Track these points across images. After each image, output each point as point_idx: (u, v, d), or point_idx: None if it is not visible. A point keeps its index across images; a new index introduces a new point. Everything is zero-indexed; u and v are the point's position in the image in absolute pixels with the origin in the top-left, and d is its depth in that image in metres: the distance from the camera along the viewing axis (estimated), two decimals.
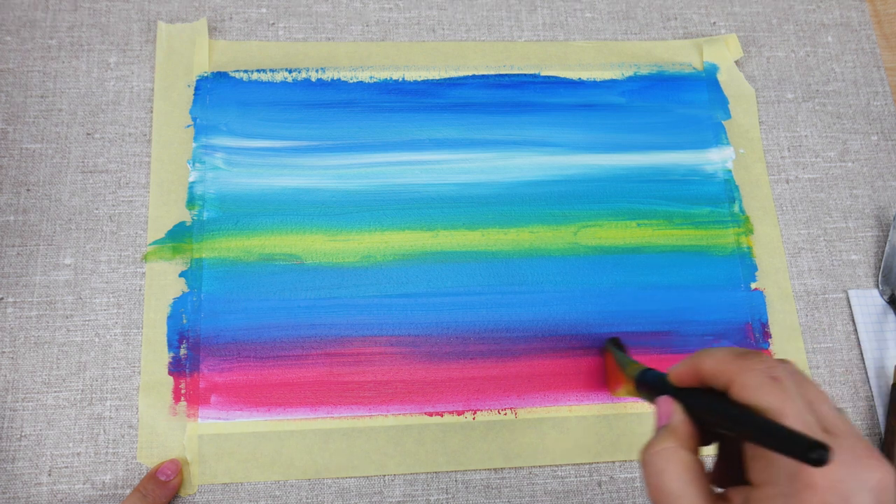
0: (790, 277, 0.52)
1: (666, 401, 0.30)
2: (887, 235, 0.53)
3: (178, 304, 0.47)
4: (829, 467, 0.24)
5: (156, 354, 0.46)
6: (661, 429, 0.29)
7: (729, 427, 0.28)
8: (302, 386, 0.46)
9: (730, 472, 0.29)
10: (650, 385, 0.37)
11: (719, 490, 0.28)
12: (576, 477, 0.46)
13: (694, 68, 0.56)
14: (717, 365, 0.28)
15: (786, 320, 0.50)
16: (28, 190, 0.49)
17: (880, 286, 0.52)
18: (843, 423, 0.27)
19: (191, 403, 0.45)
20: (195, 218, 0.49)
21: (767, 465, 0.26)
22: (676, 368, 0.31)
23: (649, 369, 0.38)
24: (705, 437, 0.30)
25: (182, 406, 0.45)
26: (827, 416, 0.27)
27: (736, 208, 0.53)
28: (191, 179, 0.50)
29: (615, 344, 0.47)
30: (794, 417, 0.25)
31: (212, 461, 0.44)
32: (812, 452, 0.23)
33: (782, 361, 0.28)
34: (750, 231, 0.52)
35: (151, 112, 0.51)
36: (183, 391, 0.45)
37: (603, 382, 0.48)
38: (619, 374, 0.43)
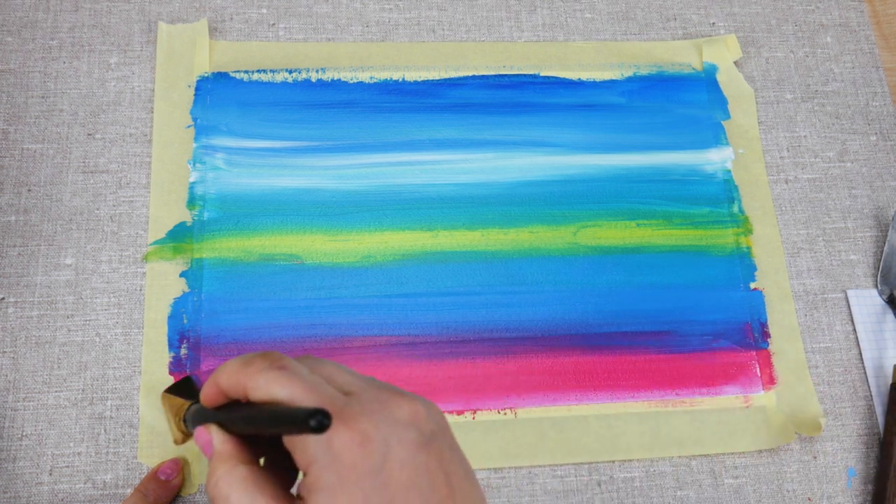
0: (789, 277, 0.52)
1: (200, 431, 0.29)
2: (886, 235, 0.53)
3: (179, 304, 0.47)
4: (359, 420, 0.25)
5: (156, 354, 0.46)
6: (211, 459, 0.29)
7: (247, 429, 0.28)
8: None
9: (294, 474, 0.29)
10: (194, 420, 0.34)
11: (293, 492, 0.28)
12: (575, 477, 0.46)
13: (693, 69, 0.56)
14: (230, 377, 0.28)
15: (785, 320, 0.51)
16: (29, 190, 0.49)
17: (879, 286, 0.52)
18: (364, 381, 0.28)
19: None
20: (196, 218, 0.49)
21: (304, 450, 0.26)
22: (203, 391, 0.30)
23: (194, 402, 0.35)
24: (256, 449, 0.29)
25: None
26: (346, 381, 0.27)
27: (735, 208, 0.53)
28: (191, 180, 0.50)
29: (179, 387, 0.44)
30: (309, 394, 0.26)
31: None
32: (311, 420, 0.23)
33: (293, 357, 0.29)
34: (749, 231, 0.52)
35: (152, 112, 0.51)
36: None
37: (605, 383, 0.48)
38: (175, 419, 0.41)
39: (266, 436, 0.29)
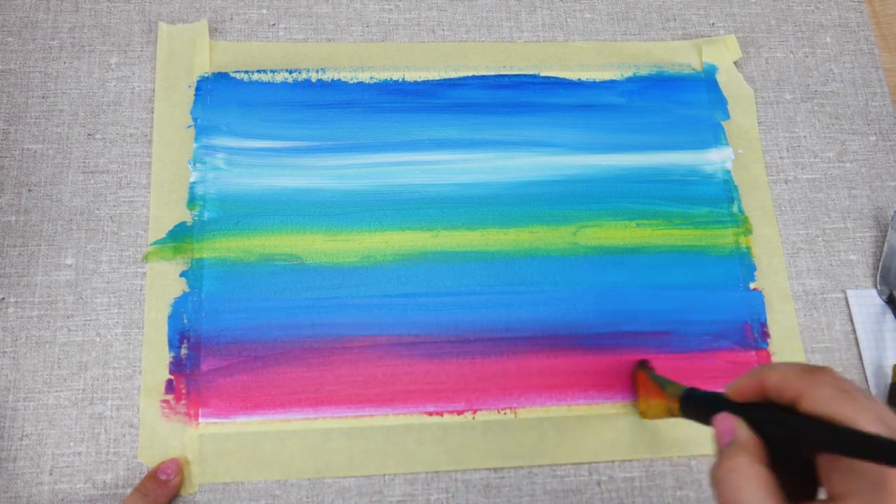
0: (789, 277, 0.52)
1: (726, 417, 0.30)
2: (885, 235, 0.53)
3: (179, 304, 0.47)
4: None
5: (157, 354, 0.46)
6: (728, 445, 0.29)
7: (806, 438, 0.27)
8: (302, 385, 0.46)
9: (796, 488, 0.29)
10: (699, 404, 0.36)
11: None
12: (575, 476, 0.46)
13: (693, 69, 0.56)
14: (784, 379, 0.28)
15: (784, 320, 0.51)
16: (29, 190, 0.49)
17: (879, 286, 0.52)
18: None
19: (191, 403, 0.45)
20: (196, 218, 0.49)
21: (847, 476, 0.25)
22: (736, 384, 0.31)
23: (694, 388, 0.38)
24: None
25: (183, 405, 0.45)
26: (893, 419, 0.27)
27: (735, 208, 0.53)
28: (191, 180, 0.50)
29: (645, 365, 0.47)
30: (869, 426, 0.25)
31: (212, 460, 0.44)
32: None
33: (848, 380, 0.28)
34: (749, 231, 0.52)
35: (152, 112, 0.52)
36: (184, 391, 0.45)
37: (605, 382, 0.48)
38: (656, 394, 0.43)
39: (797, 449, 0.28)
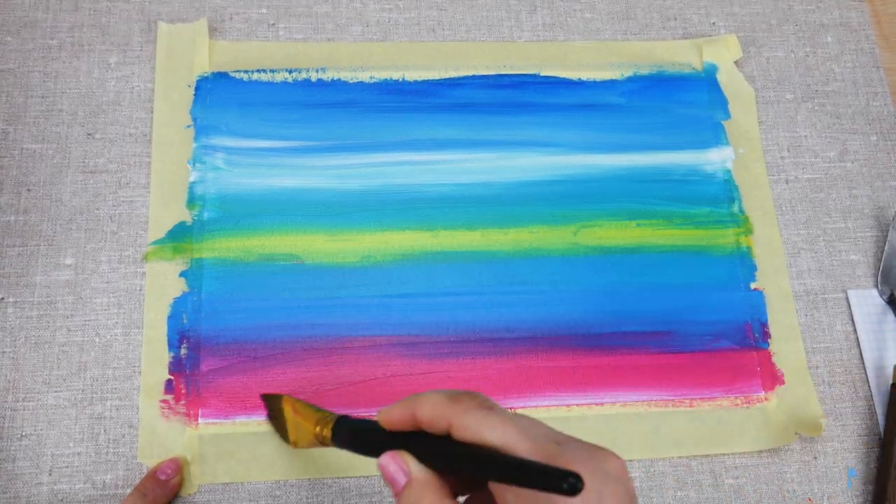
0: (790, 277, 0.52)
1: (394, 457, 0.28)
2: (886, 235, 0.53)
3: (179, 304, 0.47)
4: (575, 470, 0.24)
5: (156, 354, 0.46)
6: (407, 489, 0.28)
7: (461, 466, 0.27)
8: (302, 386, 0.46)
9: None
10: (353, 432, 0.34)
11: None
12: None
13: (693, 68, 0.56)
14: (433, 410, 0.28)
15: (785, 320, 0.50)
16: (29, 190, 0.49)
17: (879, 286, 0.52)
18: (563, 434, 0.27)
19: (191, 403, 0.45)
20: (195, 218, 0.49)
21: (517, 492, 0.25)
22: (388, 414, 0.30)
23: (346, 416, 0.36)
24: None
25: (182, 406, 0.45)
26: (548, 431, 0.27)
27: (735, 208, 0.53)
28: (191, 179, 0.50)
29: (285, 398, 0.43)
30: (523, 441, 0.26)
31: (212, 461, 0.44)
32: (564, 483, 0.23)
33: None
34: (749, 231, 0.52)
35: (152, 112, 0.51)
36: (183, 391, 0.45)
37: (605, 382, 0.48)
38: (304, 422, 0.39)
39: (467, 474, 0.28)
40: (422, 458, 0.28)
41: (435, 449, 0.28)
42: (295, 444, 0.41)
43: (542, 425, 0.28)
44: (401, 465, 0.28)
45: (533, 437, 0.26)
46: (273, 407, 0.44)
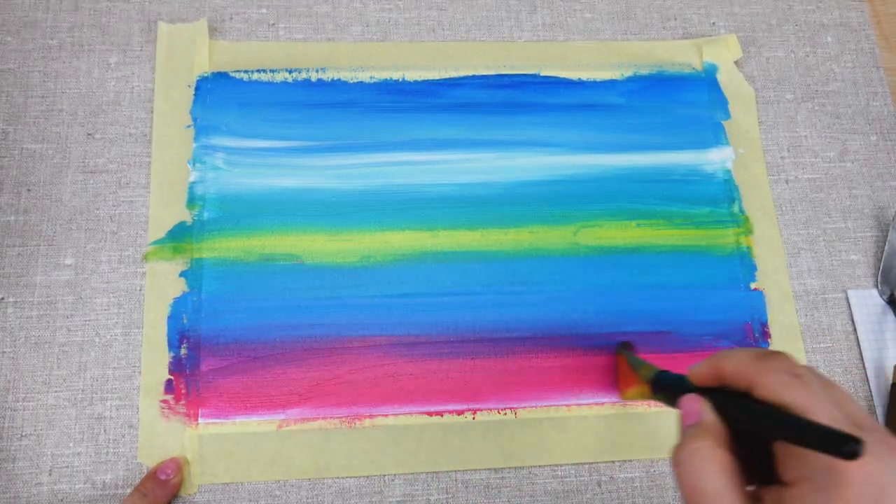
0: (790, 277, 0.52)
1: (692, 399, 0.30)
2: (886, 235, 0.53)
3: (179, 304, 0.47)
4: (865, 460, 0.24)
5: (156, 354, 0.46)
6: (691, 427, 0.29)
7: (759, 426, 0.27)
8: (302, 386, 0.46)
9: (755, 473, 0.29)
10: (668, 386, 0.36)
11: (750, 488, 0.28)
12: (575, 477, 0.46)
13: (693, 68, 0.56)
14: (738, 365, 0.28)
15: (785, 320, 0.50)
16: (29, 190, 0.49)
17: (879, 286, 0.52)
18: (870, 419, 0.27)
19: (191, 403, 0.45)
20: (195, 218, 0.49)
21: (800, 462, 0.26)
22: (696, 368, 0.31)
23: (665, 371, 0.38)
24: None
25: (182, 406, 0.45)
26: (853, 412, 0.27)
27: (735, 208, 0.53)
28: (191, 179, 0.50)
29: (626, 347, 0.47)
30: (822, 413, 0.25)
31: (212, 461, 0.44)
32: (845, 446, 0.23)
33: (804, 365, 0.28)
34: (749, 231, 0.52)
35: (152, 112, 0.51)
36: (183, 391, 0.45)
37: (605, 382, 0.48)
38: (632, 377, 0.43)
39: (760, 435, 0.29)
40: (721, 410, 0.29)
41: (730, 401, 0.29)
42: (623, 396, 0.47)
43: (846, 401, 0.27)
44: (695, 407, 0.29)
45: (834, 414, 0.25)
46: (616, 356, 0.48)
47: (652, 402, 0.48)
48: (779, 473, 0.27)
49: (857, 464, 0.24)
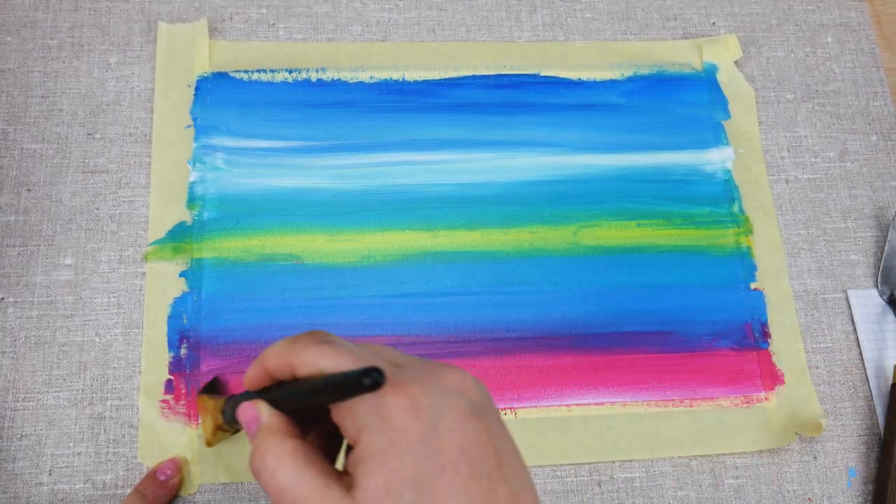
0: (790, 277, 0.52)
1: (247, 406, 0.29)
2: (886, 235, 0.53)
3: (179, 304, 0.47)
4: (409, 386, 0.25)
5: (156, 354, 0.46)
6: (256, 433, 0.28)
7: (301, 401, 0.28)
8: None
9: (335, 453, 0.29)
10: (233, 407, 0.34)
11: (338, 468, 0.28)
12: (575, 477, 0.46)
13: (693, 68, 0.56)
14: (277, 356, 0.29)
15: (785, 320, 0.50)
16: (29, 190, 0.49)
17: (879, 286, 0.52)
18: (410, 357, 0.29)
19: (191, 403, 0.45)
20: (195, 218, 0.49)
21: (354, 419, 0.26)
22: (247, 375, 0.31)
23: (232, 395, 0.36)
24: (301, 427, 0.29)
25: (182, 406, 0.45)
26: (393, 355, 0.28)
27: (735, 208, 0.53)
28: (191, 179, 0.50)
29: (211, 387, 0.45)
30: (357, 362, 0.26)
31: (212, 461, 0.44)
32: (366, 378, 0.23)
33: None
34: (749, 231, 0.52)
35: (152, 112, 0.51)
36: (183, 391, 0.45)
37: (605, 382, 0.48)
38: (211, 416, 0.41)
39: (312, 410, 0.29)
40: (274, 404, 0.29)
41: (280, 392, 0.29)
42: (208, 444, 0.43)
43: (386, 350, 0.28)
44: (252, 412, 0.29)
45: (369, 361, 0.26)
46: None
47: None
48: (347, 439, 0.27)
49: (394, 395, 0.25)
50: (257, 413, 0.29)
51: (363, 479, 0.25)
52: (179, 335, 0.47)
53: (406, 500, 0.24)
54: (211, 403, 0.41)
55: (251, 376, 0.30)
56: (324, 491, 0.25)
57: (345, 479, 0.26)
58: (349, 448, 0.27)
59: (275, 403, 0.29)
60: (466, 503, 0.24)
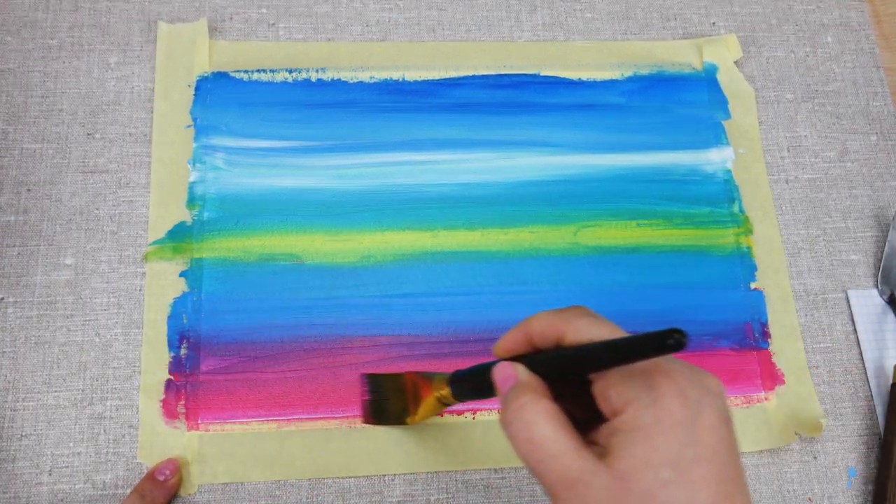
0: (790, 277, 0.52)
1: (504, 365, 0.30)
2: (886, 235, 0.53)
3: (179, 304, 0.47)
4: (677, 375, 0.26)
5: (156, 354, 0.46)
6: (511, 389, 0.29)
7: (578, 366, 0.28)
8: (302, 385, 0.46)
9: (583, 421, 0.30)
10: (469, 378, 0.36)
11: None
12: None
13: (693, 68, 0.56)
14: (545, 323, 0.30)
15: (785, 320, 0.50)
16: (28, 190, 0.49)
17: (879, 286, 0.52)
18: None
19: (191, 403, 0.45)
20: (195, 218, 0.49)
21: (621, 389, 0.27)
22: (502, 342, 0.32)
23: (458, 369, 0.38)
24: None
25: (182, 406, 0.45)
26: None
27: (735, 208, 0.53)
28: (191, 179, 0.50)
29: (373, 380, 0.45)
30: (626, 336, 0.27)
31: (212, 461, 0.44)
32: (669, 339, 0.23)
33: None
34: (749, 231, 0.52)
35: (152, 112, 0.51)
36: (183, 391, 0.45)
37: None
38: (424, 390, 0.41)
39: (565, 379, 0.30)
40: (534, 368, 0.30)
41: (544, 358, 0.30)
42: (413, 419, 0.43)
43: None
44: (509, 371, 0.30)
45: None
46: (383, 386, 0.45)
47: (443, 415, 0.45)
48: (604, 412, 0.28)
49: (664, 380, 0.26)
50: (514, 372, 0.30)
51: (622, 449, 0.26)
52: (179, 335, 0.47)
53: (662, 477, 0.25)
54: (436, 376, 0.40)
55: (508, 341, 0.32)
56: (576, 452, 0.26)
57: (593, 448, 0.27)
58: (599, 421, 0.28)
59: (533, 366, 0.30)
60: (713, 499, 0.25)
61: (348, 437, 0.46)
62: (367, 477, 0.45)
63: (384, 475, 0.45)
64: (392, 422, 0.45)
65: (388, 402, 0.45)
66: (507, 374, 0.30)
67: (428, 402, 0.41)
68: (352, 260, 0.49)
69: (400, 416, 0.44)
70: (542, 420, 0.27)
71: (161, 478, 0.42)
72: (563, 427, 0.27)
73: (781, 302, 0.51)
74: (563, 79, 0.55)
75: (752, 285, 0.51)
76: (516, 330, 0.31)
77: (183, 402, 0.45)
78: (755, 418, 0.48)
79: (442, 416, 0.46)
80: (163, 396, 0.45)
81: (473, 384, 0.36)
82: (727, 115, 0.55)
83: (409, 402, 0.43)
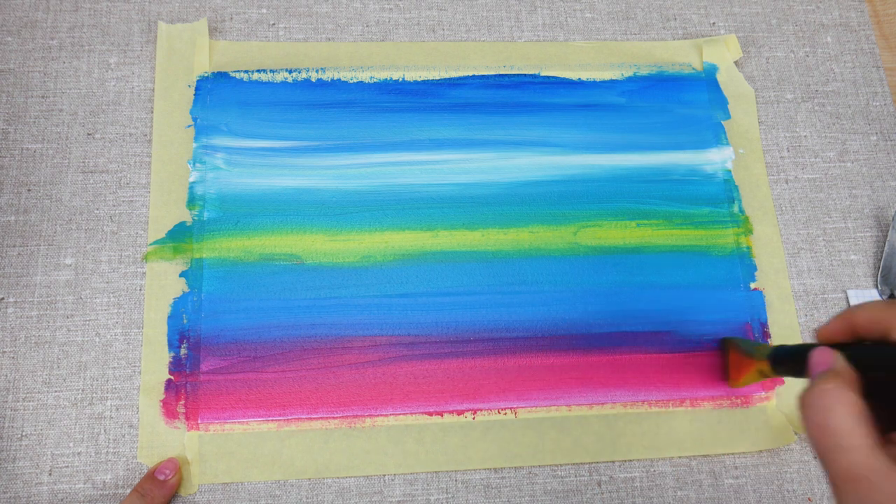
0: (789, 277, 0.52)
1: (823, 350, 0.30)
2: (886, 235, 0.53)
3: (179, 304, 0.47)
4: None
5: (156, 354, 0.46)
6: (822, 373, 0.29)
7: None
8: (302, 385, 0.46)
9: (890, 424, 0.29)
10: (790, 356, 0.37)
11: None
12: (575, 477, 0.46)
13: (693, 68, 0.56)
14: (872, 313, 0.29)
15: (785, 320, 0.50)
16: (29, 190, 0.49)
17: (879, 286, 0.52)
18: None
19: (191, 403, 0.45)
20: (195, 218, 0.49)
21: None
22: (826, 326, 0.31)
23: (780, 346, 0.39)
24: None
25: (182, 405, 0.45)
26: None
27: (735, 208, 0.53)
28: (191, 179, 0.50)
29: (730, 342, 0.48)
30: None
31: (212, 461, 0.44)
32: None
33: None
34: (749, 231, 0.52)
35: (152, 112, 0.51)
36: (184, 391, 0.45)
37: (605, 382, 0.48)
38: (745, 362, 0.45)
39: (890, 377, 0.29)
40: (854, 361, 0.29)
41: (867, 350, 0.29)
42: (733, 383, 0.47)
43: None
44: (827, 356, 0.29)
45: None
46: (723, 349, 0.49)
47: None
48: None
49: None
50: (832, 360, 0.29)
51: None
52: (179, 335, 0.47)
53: None
54: (756, 350, 0.44)
55: (831, 328, 0.31)
56: (869, 450, 0.25)
57: (890, 449, 0.26)
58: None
59: (854, 359, 0.29)
60: None
61: (348, 437, 0.46)
62: (367, 477, 0.45)
63: (384, 475, 0.45)
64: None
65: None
66: (823, 360, 0.29)
67: (750, 373, 0.44)
68: (352, 260, 0.49)
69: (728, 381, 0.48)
70: (842, 410, 0.26)
71: (161, 477, 0.42)
72: (861, 422, 0.26)
73: (781, 302, 0.51)
74: (563, 79, 0.55)
75: (752, 285, 0.51)
76: (841, 317, 0.31)
77: (183, 401, 0.45)
78: (755, 418, 0.48)
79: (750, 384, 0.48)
80: (163, 396, 0.45)
81: (793, 364, 0.37)
82: (727, 116, 0.55)
83: (731, 370, 0.47)
